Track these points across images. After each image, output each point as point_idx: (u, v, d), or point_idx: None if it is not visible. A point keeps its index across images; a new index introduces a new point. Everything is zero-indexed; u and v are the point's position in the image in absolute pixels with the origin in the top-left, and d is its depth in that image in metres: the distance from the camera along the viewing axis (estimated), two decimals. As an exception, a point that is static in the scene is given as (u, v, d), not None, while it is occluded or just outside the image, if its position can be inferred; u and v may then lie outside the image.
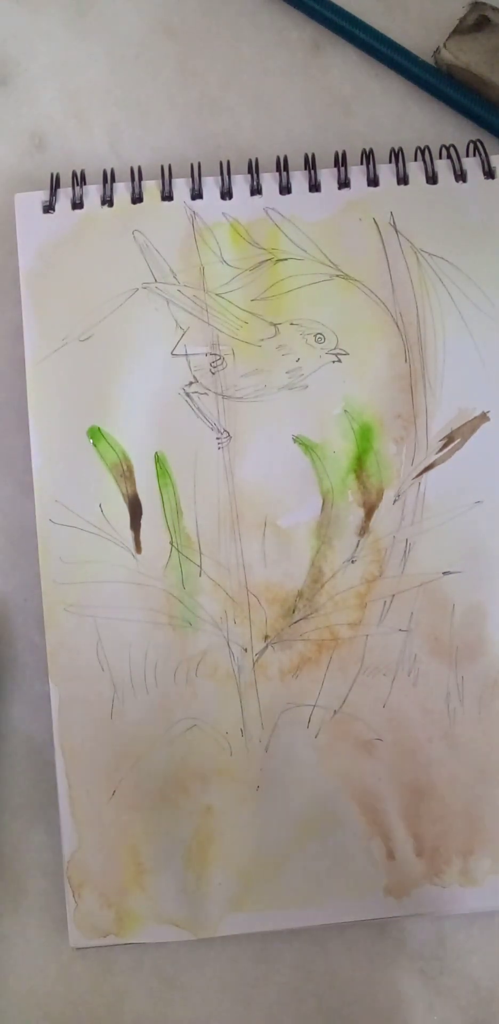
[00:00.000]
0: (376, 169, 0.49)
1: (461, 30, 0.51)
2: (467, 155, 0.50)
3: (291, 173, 0.49)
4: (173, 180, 0.49)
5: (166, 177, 0.49)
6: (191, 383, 0.48)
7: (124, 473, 0.47)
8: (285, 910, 0.46)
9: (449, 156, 0.50)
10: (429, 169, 0.49)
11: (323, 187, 0.49)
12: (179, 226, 0.49)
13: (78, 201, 0.49)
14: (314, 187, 0.49)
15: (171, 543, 0.47)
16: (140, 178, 0.49)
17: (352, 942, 0.47)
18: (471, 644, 0.47)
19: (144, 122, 0.52)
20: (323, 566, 0.47)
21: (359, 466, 0.48)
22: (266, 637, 0.47)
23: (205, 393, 0.48)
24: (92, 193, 0.49)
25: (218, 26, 0.53)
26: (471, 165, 0.50)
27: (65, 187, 0.49)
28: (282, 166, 0.49)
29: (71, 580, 0.47)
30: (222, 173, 0.49)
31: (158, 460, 0.48)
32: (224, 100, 0.52)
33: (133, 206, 0.49)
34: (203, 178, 0.49)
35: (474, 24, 0.51)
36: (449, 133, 0.52)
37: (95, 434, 0.47)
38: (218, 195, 0.49)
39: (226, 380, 0.48)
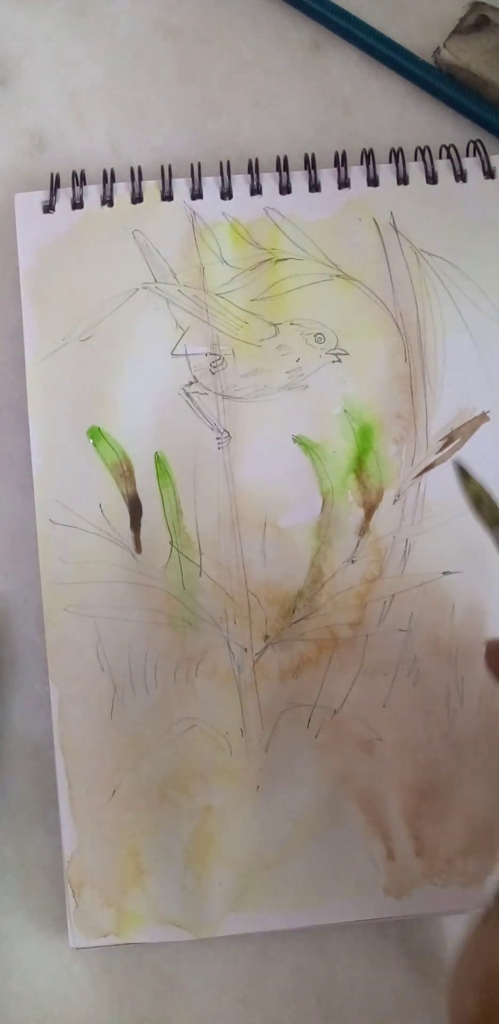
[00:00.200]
0: (376, 169, 0.50)
1: (461, 30, 0.51)
2: (467, 155, 0.50)
3: (291, 173, 0.49)
4: (173, 180, 0.49)
5: (166, 177, 0.49)
6: (191, 383, 0.48)
7: (124, 473, 0.47)
8: (285, 910, 0.46)
9: (449, 156, 0.50)
10: (429, 169, 0.49)
11: (323, 187, 0.49)
12: (179, 226, 0.49)
13: (78, 201, 0.49)
14: (314, 187, 0.49)
15: (171, 543, 0.47)
16: (140, 178, 0.49)
17: (352, 942, 0.47)
18: (471, 644, 0.47)
19: (144, 122, 0.52)
20: (323, 566, 0.47)
21: (359, 466, 0.48)
22: (266, 637, 0.47)
23: (205, 393, 0.48)
24: (92, 193, 0.49)
25: (218, 26, 0.53)
26: (471, 165, 0.50)
27: (65, 187, 0.49)
28: (282, 166, 0.49)
29: (71, 580, 0.47)
30: (222, 173, 0.49)
31: (158, 460, 0.48)
32: (224, 100, 0.52)
33: (133, 206, 0.49)
34: (203, 178, 0.49)
35: (474, 24, 0.51)
36: (449, 133, 0.52)
37: (95, 434, 0.48)
38: (218, 195, 0.49)
39: (226, 380, 0.48)
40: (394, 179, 0.50)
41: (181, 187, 0.49)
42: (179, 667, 0.47)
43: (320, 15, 0.52)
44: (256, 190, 0.49)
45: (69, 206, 0.49)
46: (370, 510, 0.48)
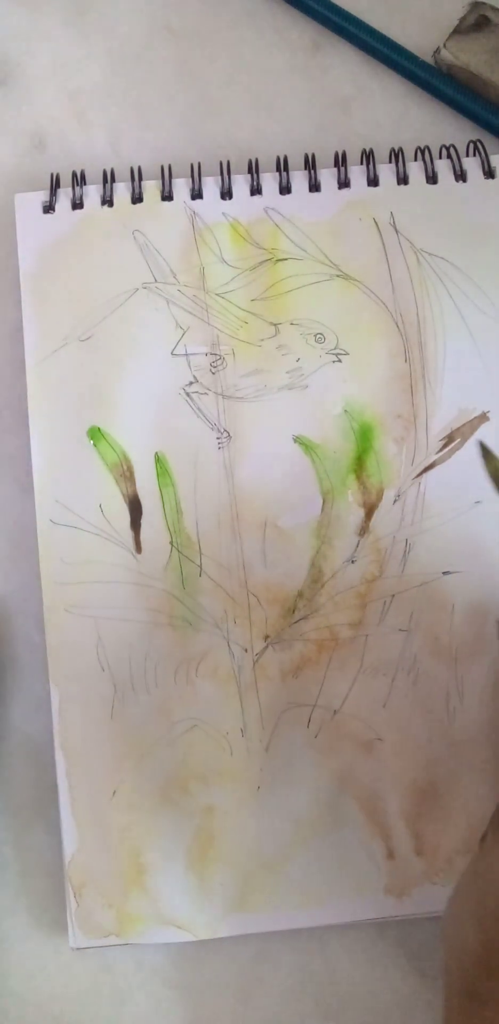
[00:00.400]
0: (376, 169, 0.50)
1: (461, 30, 0.51)
2: (467, 155, 0.50)
3: (291, 173, 0.49)
4: (173, 180, 0.49)
5: (166, 177, 0.49)
6: (191, 383, 0.48)
7: (124, 473, 0.47)
8: (286, 910, 0.46)
9: (449, 156, 0.50)
10: (429, 169, 0.49)
11: (323, 187, 0.49)
12: (179, 226, 0.49)
13: (78, 201, 0.49)
14: (314, 187, 0.49)
15: (171, 543, 0.47)
16: (140, 178, 0.49)
17: (352, 942, 0.47)
18: (471, 644, 0.47)
19: (144, 122, 0.52)
20: (323, 566, 0.47)
21: (359, 466, 0.48)
22: (266, 637, 0.47)
23: (205, 393, 0.48)
24: (92, 193, 0.49)
25: (218, 26, 0.53)
26: (471, 165, 0.50)
27: (65, 187, 0.49)
28: (282, 166, 0.49)
29: (71, 580, 0.47)
30: (222, 173, 0.49)
31: (158, 460, 0.48)
32: (224, 100, 0.52)
33: (133, 206, 0.49)
34: (203, 178, 0.49)
35: (474, 24, 0.51)
36: (449, 133, 0.52)
37: (95, 434, 0.48)
38: (218, 195, 0.49)
39: (226, 380, 0.48)
40: (394, 179, 0.50)
41: (181, 187, 0.49)
42: (179, 667, 0.47)
43: (320, 15, 0.52)
44: (256, 190, 0.49)
45: (69, 206, 0.49)
46: (370, 510, 0.48)
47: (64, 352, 0.48)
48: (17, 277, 0.49)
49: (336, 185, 0.49)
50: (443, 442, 0.48)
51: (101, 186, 0.49)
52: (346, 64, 0.52)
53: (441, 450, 0.47)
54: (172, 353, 0.48)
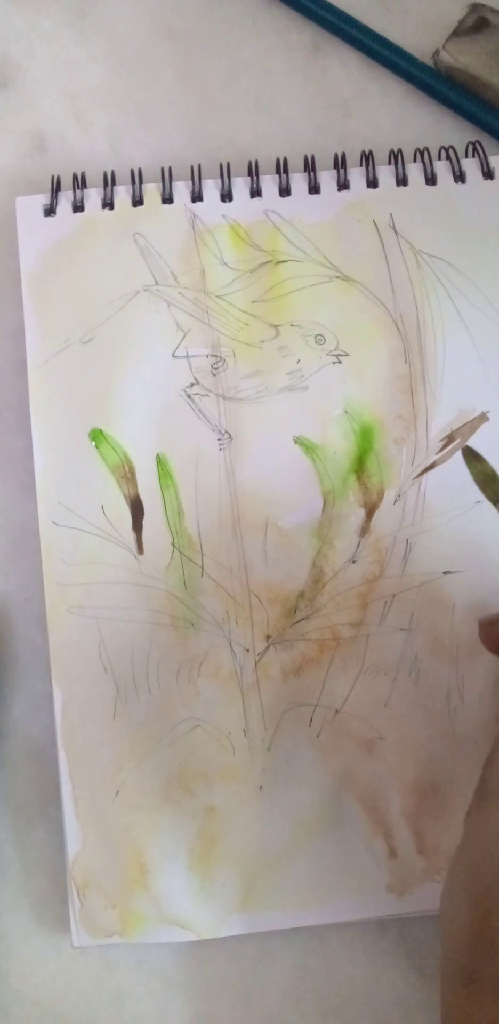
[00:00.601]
0: (375, 171, 0.50)
1: (460, 32, 0.51)
2: (466, 156, 0.50)
3: (291, 175, 0.50)
4: (173, 183, 0.49)
5: (166, 180, 0.49)
6: (192, 385, 0.48)
7: (126, 475, 0.48)
8: (288, 909, 0.46)
9: (448, 157, 0.50)
10: (428, 170, 0.50)
11: (323, 189, 0.50)
12: (179, 229, 0.49)
13: (79, 204, 0.49)
14: (314, 189, 0.49)
15: (173, 544, 0.47)
16: (140, 181, 0.49)
17: (352, 941, 0.48)
18: (472, 643, 0.47)
19: (144, 124, 0.52)
20: (324, 566, 0.47)
21: (360, 467, 0.48)
22: (268, 637, 0.47)
23: (206, 395, 0.48)
24: (93, 196, 0.49)
25: (218, 27, 0.53)
26: (470, 166, 0.50)
27: (66, 190, 0.49)
28: (282, 168, 0.50)
29: (74, 581, 0.47)
30: (222, 175, 0.50)
31: (160, 461, 0.48)
32: (224, 102, 0.52)
33: (134, 209, 0.49)
34: (203, 180, 0.49)
35: (473, 26, 0.51)
36: (448, 134, 0.52)
37: (97, 436, 0.48)
38: (218, 197, 0.49)
39: (227, 381, 0.48)
40: (393, 180, 0.50)
41: (181, 190, 0.49)
42: (181, 668, 0.47)
43: (320, 17, 0.52)
44: (256, 192, 0.49)
45: (70, 209, 0.49)
46: (371, 510, 0.48)
47: (65, 354, 0.48)
48: (18, 280, 0.49)
49: (336, 187, 0.50)
50: (443, 442, 0.48)
51: (102, 189, 0.49)
52: (346, 66, 0.53)
53: (441, 450, 0.48)
54: (173, 355, 0.48)
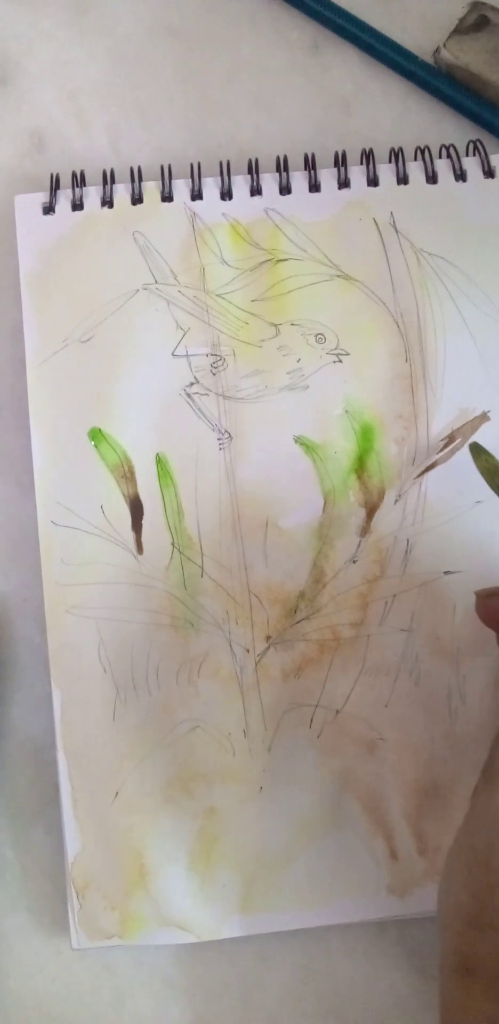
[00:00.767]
0: (376, 169, 0.50)
1: (461, 30, 0.51)
2: (467, 155, 0.50)
3: (291, 173, 0.49)
4: (173, 181, 0.49)
5: (166, 178, 0.49)
6: (192, 384, 0.48)
7: (125, 474, 0.47)
8: (289, 911, 0.46)
9: (449, 156, 0.50)
10: (429, 169, 0.49)
11: (323, 187, 0.49)
12: (179, 227, 0.49)
13: (78, 202, 0.49)
14: (314, 187, 0.49)
15: (172, 544, 0.47)
16: (140, 179, 0.49)
17: (352, 942, 0.48)
18: (472, 643, 0.47)
19: (144, 122, 0.52)
20: (325, 566, 0.47)
21: (360, 466, 0.48)
22: (268, 638, 0.47)
23: (206, 394, 0.48)
24: (92, 194, 0.49)
25: (218, 26, 0.53)
26: (471, 165, 0.50)
27: (65, 188, 0.49)
28: (282, 166, 0.49)
29: (73, 582, 0.47)
30: (222, 173, 0.49)
31: (159, 461, 0.48)
32: (224, 100, 0.52)
33: (133, 207, 0.49)
34: (203, 179, 0.49)
35: (474, 24, 0.51)
36: (449, 133, 0.52)
37: (96, 435, 0.47)
38: (218, 196, 0.49)
39: (227, 381, 0.48)
40: (394, 179, 0.50)
41: (181, 188, 0.49)
42: (181, 668, 0.47)
43: (320, 15, 0.52)
44: (256, 190, 0.49)
45: (69, 207, 0.49)
46: (371, 510, 0.48)
47: (65, 353, 0.48)
48: (17, 278, 0.49)
49: (336, 185, 0.50)
50: (444, 442, 0.48)
51: (101, 187, 0.49)
52: (346, 64, 0.52)
53: (442, 450, 0.47)
54: (173, 354, 0.48)
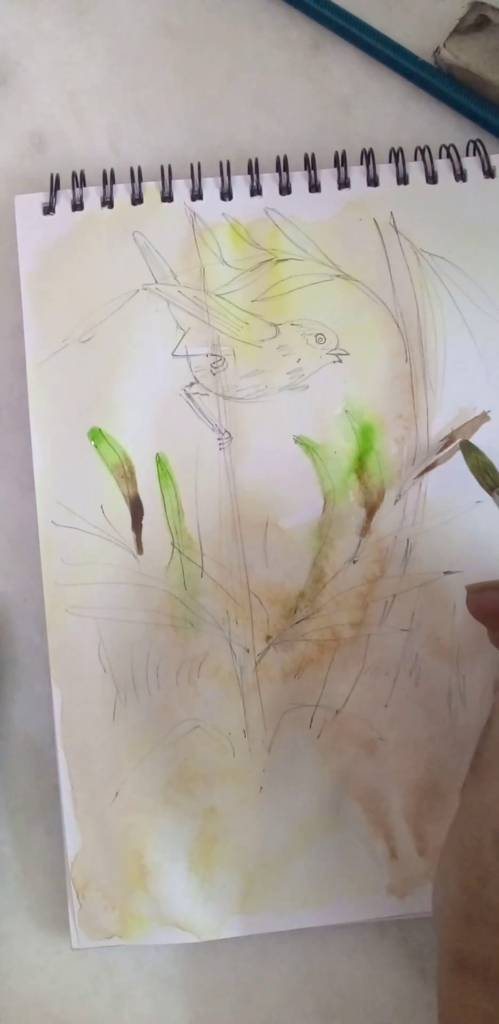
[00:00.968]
0: (376, 169, 0.50)
1: (461, 30, 0.51)
2: (467, 155, 0.50)
3: (291, 173, 0.49)
4: (173, 181, 0.49)
5: (166, 178, 0.49)
6: (192, 384, 0.48)
7: (125, 474, 0.47)
8: (289, 911, 0.46)
9: (449, 156, 0.50)
10: (429, 169, 0.49)
11: (323, 187, 0.50)
12: (179, 227, 0.49)
13: (78, 203, 0.49)
14: (314, 187, 0.49)
15: (172, 544, 0.47)
16: (140, 179, 0.49)
17: (352, 942, 0.48)
18: (472, 643, 0.47)
19: (144, 122, 0.52)
20: (325, 566, 0.47)
21: (360, 466, 0.48)
22: (268, 638, 0.47)
23: (206, 394, 0.48)
24: (92, 194, 0.49)
25: (218, 26, 0.53)
26: (471, 165, 0.50)
27: (65, 188, 0.49)
28: (282, 166, 0.50)
29: (73, 581, 0.47)
30: (222, 173, 0.49)
31: (159, 461, 0.48)
32: (224, 100, 0.52)
33: (133, 207, 0.49)
34: (203, 179, 0.49)
35: (474, 24, 0.51)
36: (449, 133, 0.52)
37: (96, 435, 0.47)
38: (218, 196, 0.49)
39: (227, 381, 0.48)
40: (394, 179, 0.50)
41: (181, 188, 0.49)
42: (181, 668, 0.47)
43: (320, 15, 0.52)
44: (256, 191, 0.49)
45: (69, 208, 0.49)
46: (371, 510, 0.48)
47: (65, 353, 0.48)
48: (17, 278, 0.49)
49: (336, 185, 0.50)
50: (444, 442, 0.48)
51: (101, 187, 0.49)
52: (346, 64, 0.52)
53: (442, 450, 0.47)
54: (173, 354, 0.48)
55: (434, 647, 0.47)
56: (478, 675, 0.47)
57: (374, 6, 0.53)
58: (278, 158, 0.50)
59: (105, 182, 0.49)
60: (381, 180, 0.50)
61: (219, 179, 0.49)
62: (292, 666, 0.47)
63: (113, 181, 0.49)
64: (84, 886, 0.46)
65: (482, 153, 0.50)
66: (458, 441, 0.47)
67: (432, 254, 0.49)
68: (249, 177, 0.49)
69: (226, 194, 0.49)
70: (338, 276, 0.49)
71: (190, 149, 0.52)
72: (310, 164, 0.50)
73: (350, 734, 0.47)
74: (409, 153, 0.50)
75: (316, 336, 0.48)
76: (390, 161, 0.50)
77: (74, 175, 0.49)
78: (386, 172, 0.50)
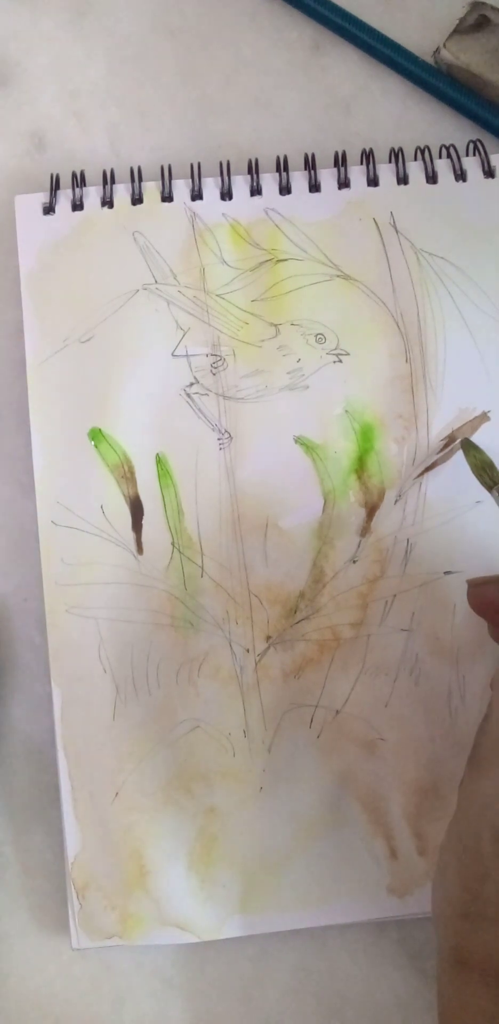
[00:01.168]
0: (376, 169, 0.50)
1: (461, 30, 0.51)
2: (467, 155, 0.50)
3: (291, 173, 0.49)
4: (173, 181, 0.49)
5: (166, 178, 0.49)
6: (192, 384, 0.48)
7: (125, 474, 0.47)
8: (289, 911, 0.46)
9: (449, 156, 0.50)
10: (429, 169, 0.49)
11: (323, 187, 0.49)
12: (179, 227, 0.49)
13: (78, 202, 0.49)
14: (314, 187, 0.49)
15: (172, 544, 0.47)
16: (140, 179, 0.49)
17: (352, 942, 0.48)
18: (472, 643, 0.47)
19: (144, 122, 0.52)
20: (325, 566, 0.47)
21: (360, 466, 0.48)
22: (268, 638, 0.47)
23: (206, 394, 0.48)
24: (92, 194, 0.49)
25: (218, 26, 0.53)
26: (471, 165, 0.50)
27: (65, 188, 0.49)
28: (282, 166, 0.49)
29: (73, 582, 0.47)
30: (222, 174, 0.49)
31: (159, 461, 0.48)
32: (224, 100, 0.52)
33: (133, 207, 0.49)
34: (203, 179, 0.49)
35: (474, 24, 0.51)
36: (449, 133, 0.52)
37: (96, 435, 0.47)
38: (218, 196, 0.49)
39: (227, 381, 0.48)
40: (394, 179, 0.50)
41: (181, 188, 0.49)
42: (181, 668, 0.47)
43: (320, 15, 0.52)
44: (256, 191, 0.49)
45: (69, 207, 0.49)
46: (371, 510, 0.48)
47: (65, 353, 0.48)
48: (17, 278, 0.49)
49: (336, 185, 0.50)
50: (444, 442, 0.48)
51: (101, 187, 0.49)
52: (346, 64, 0.52)
53: (442, 450, 0.47)
54: (173, 354, 0.48)
55: (434, 647, 0.47)
56: (478, 675, 0.47)
57: (374, 6, 0.53)
58: (278, 158, 0.50)
59: (105, 182, 0.49)
60: (381, 180, 0.50)
61: (219, 179, 0.49)
62: (292, 666, 0.47)
63: (113, 181, 0.49)
64: (84, 886, 0.46)
65: (482, 153, 0.50)
66: (458, 440, 0.47)
67: (432, 254, 0.49)
68: (249, 177, 0.49)
69: (226, 194, 0.49)
70: (338, 276, 0.49)
71: (190, 149, 0.52)
72: (310, 164, 0.50)
73: (350, 734, 0.47)
74: (409, 153, 0.50)
75: (316, 336, 0.48)
76: (390, 161, 0.50)
77: (74, 175, 0.49)
78: (386, 172, 0.50)
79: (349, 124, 0.52)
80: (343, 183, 0.49)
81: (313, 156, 0.50)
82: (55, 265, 0.48)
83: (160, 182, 0.49)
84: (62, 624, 0.47)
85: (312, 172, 0.49)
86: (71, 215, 0.49)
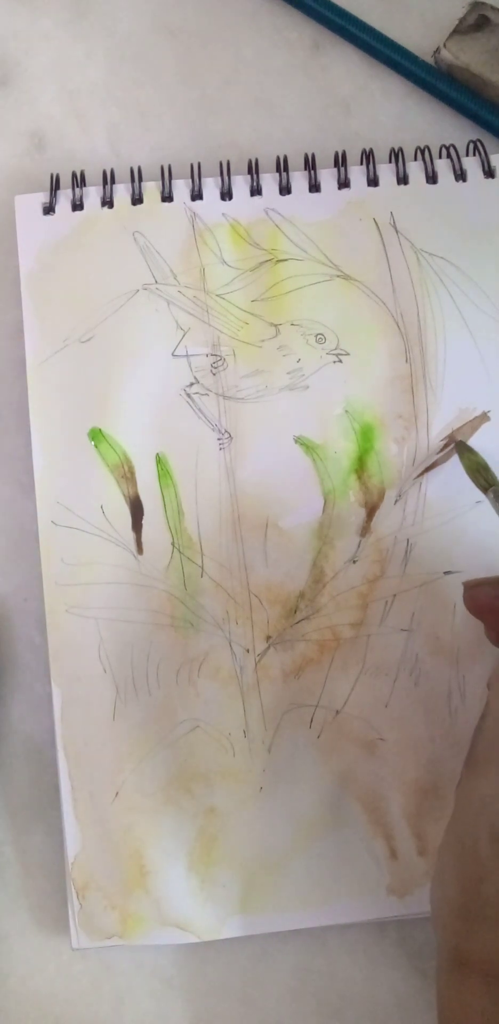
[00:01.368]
0: (376, 169, 0.50)
1: (461, 30, 0.51)
2: (467, 155, 0.50)
3: (291, 173, 0.49)
4: (173, 181, 0.49)
5: (166, 178, 0.49)
6: (192, 384, 0.48)
7: (125, 474, 0.47)
8: (289, 911, 0.46)
9: (449, 156, 0.50)
10: (429, 169, 0.49)
11: (323, 187, 0.50)
12: (179, 227, 0.49)
13: (78, 202, 0.49)
14: (314, 187, 0.49)
15: (172, 544, 0.47)
16: (140, 179, 0.49)
17: (352, 942, 0.47)
18: (472, 643, 0.47)
19: (144, 122, 0.52)
20: (325, 566, 0.47)
21: (360, 466, 0.48)
22: (268, 638, 0.47)
23: (206, 394, 0.48)
24: (92, 194, 0.49)
25: (218, 26, 0.53)
26: (471, 165, 0.50)
27: (65, 188, 0.49)
28: (282, 166, 0.50)
29: (73, 582, 0.47)
30: (222, 174, 0.49)
31: (159, 461, 0.48)
32: (224, 100, 0.52)
33: (133, 207, 0.49)
34: (203, 179, 0.49)
35: (474, 24, 0.51)
36: (449, 133, 0.52)
37: (96, 435, 0.47)
38: (218, 196, 0.49)
39: (227, 381, 0.48)
40: (394, 179, 0.50)
41: (181, 188, 0.49)
42: (181, 668, 0.47)
43: (320, 15, 0.52)
44: (256, 191, 0.49)
45: (69, 207, 0.49)
46: (371, 510, 0.48)
47: (65, 353, 0.48)
48: (17, 278, 0.49)
49: (336, 185, 0.50)
50: (444, 442, 0.48)
51: (101, 187, 0.49)
52: (346, 64, 0.52)
53: (442, 450, 0.47)
54: (173, 354, 0.48)
55: (434, 647, 0.47)
56: (478, 675, 0.47)
57: (374, 6, 0.53)
58: (278, 158, 0.50)
59: (105, 182, 0.49)
60: (381, 180, 0.50)
61: (219, 179, 0.49)
62: (292, 666, 0.47)
63: (113, 181, 0.49)
64: (84, 886, 0.46)
65: (482, 153, 0.50)
66: (454, 443, 0.47)
67: (432, 254, 0.49)
68: (249, 177, 0.49)
69: (226, 194, 0.49)
70: (338, 276, 0.49)
71: (190, 149, 0.52)
72: (310, 164, 0.50)
73: (350, 734, 0.47)
74: (409, 153, 0.50)
75: (316, 336, 0.48)
76: (390, 161, 0.50)
77: (74, 175, 0.49)
78: (386, 172, 0.50)
79: (349, 124, 0.52)
80: (343, 183, 0.49)
81: (313, 156, 0.50)
82: (55, 265, 0.48)
83: (160, 182, 0.49)
84: (62, 624, 0.47)
85: (312, 172, 0.49)
86: (71, 215, 0.49)
